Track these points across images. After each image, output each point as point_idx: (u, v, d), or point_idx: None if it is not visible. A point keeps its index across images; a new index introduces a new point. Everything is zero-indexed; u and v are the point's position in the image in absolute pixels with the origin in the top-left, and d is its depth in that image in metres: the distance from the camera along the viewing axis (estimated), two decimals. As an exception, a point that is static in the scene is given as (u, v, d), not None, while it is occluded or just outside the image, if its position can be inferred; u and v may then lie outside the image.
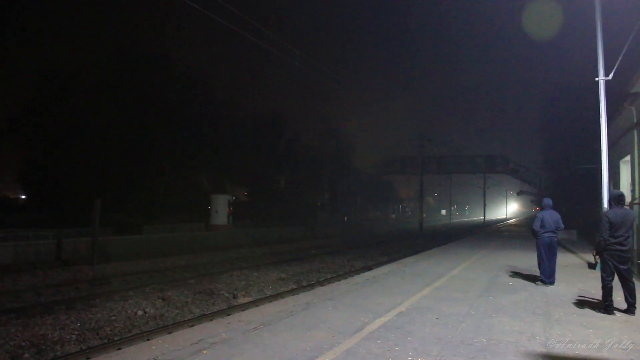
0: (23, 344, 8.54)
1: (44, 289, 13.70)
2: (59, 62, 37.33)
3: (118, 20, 69.40)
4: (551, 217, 11.23)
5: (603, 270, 8.40)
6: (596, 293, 10.09)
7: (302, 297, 9.98)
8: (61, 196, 32.89)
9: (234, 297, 13.13)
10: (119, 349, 7.50)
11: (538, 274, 11.72)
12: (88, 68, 37.78)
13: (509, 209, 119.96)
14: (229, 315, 9.32)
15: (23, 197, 44.32)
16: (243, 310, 9.94)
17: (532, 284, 11.51)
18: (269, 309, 8.77)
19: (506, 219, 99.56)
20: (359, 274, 15.18)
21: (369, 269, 16.86)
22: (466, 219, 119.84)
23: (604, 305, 8.34)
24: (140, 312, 11.01)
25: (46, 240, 21.78)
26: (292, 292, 13.26)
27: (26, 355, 8.05)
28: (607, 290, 8.29)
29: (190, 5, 12.93)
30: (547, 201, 11.51)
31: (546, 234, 11.21)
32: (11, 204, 42.80)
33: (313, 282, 15.28)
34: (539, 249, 11.35)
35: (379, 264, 18.58)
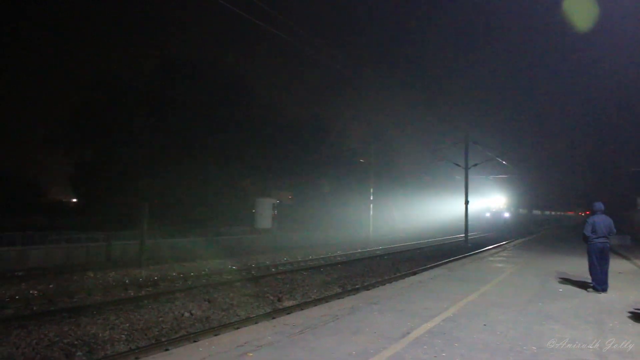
0: (76, 342, 8.79)
1: (94, 290, 14.06)
2: (109, 69, 38.43)
3: (164, 28, 70.96)
4: (603, 222, 10.86)
5: None
6: (652, 301, 9.73)
7: (347, 301, 9.94)
8: (110, 200, 33.72)
9: (279, 300, 13.19)
10: (166, 349, 7.64)
11: (589, 281, 11.37)
12: (136, 75, 38.70)
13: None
14: (274, 318, 9.37)
15: (74, 200, 45.74)
16: (288, 313, 9.97)
17: (584, 291, 11.18)
18: (314, 313, 8.77)
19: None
20: (404, 278, 15.06)
21: (414, 273, 16.68)
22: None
23: None
24: (186, 314, 11.18)
25: (96, 242, 22.45)
26: (337, 295, 13.23)
27: (79, 353, 8.28)
28: None
29: (232, 10, 13.11)
30: (599, 205, 11.07)
31: (598, 240, 10.86)
32: (63, 207, 44.25)
33: (358, 287, 15.21)
34: (591, 255, 11.00)
35: (425, 268, 18.37)
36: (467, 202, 35.20)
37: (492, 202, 71.73)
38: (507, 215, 73.35)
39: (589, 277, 11.31)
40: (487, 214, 70.61)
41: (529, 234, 47.23)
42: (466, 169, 35.65)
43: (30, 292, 13.81)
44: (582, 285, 11.84)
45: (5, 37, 46.83)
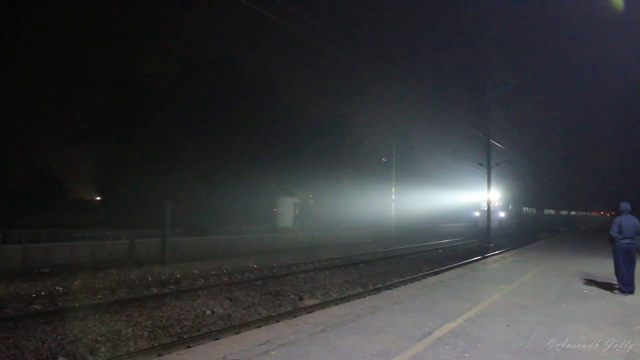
0: (99, 338, 8.90)
1: (117, 287, 14.22)
2: (131, 68, 38.96)
3: (186, 28, 71.53)
4: (630, 222, 10.67)
5: None
6: (680, 303, 9.53)
7: (369, 301, 9.92)
8: (134, 198, 34.11)
9: (300, 299, 13.20)
10: (188, 347, 7.69)
11: (615, 282, 11.18)
12: (158, 74, 39.17)
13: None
14: (295, 317, 9.38)
15: (98, 198, 46.39)
16: (309, 312, 9.98)
17: (609, 293, 10.99)
18: (335, 312, 8.77)
19: None
20: (426, 277, 15.00)
21: (436, 273, 16.60)
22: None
23: None
24: (208, 312, 11.25)
25: (120, 240, 22.72)
26: (359, 295, 13.20)
27: (102, 349, 8.38)
28: None
29: (255, 9, 13.13)
30: (626, 205, 10.85)
31: (624, 240, 10.67)
32: (87, 205, 44.91)
33: (379, 286, 15.16)
34: (616, 256, 10.82)
35: (446, 268, 18.25)
36: (489, 203, 34.92)
37: (485, 197, 49.29)
38: (502, 215, 53.82)
39: (615, 278, 11.12)
40: (476, 213, 52.96)
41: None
42: (488, 168, 35.32)
43: (56, 288, 14.03)
44: (608, 286, 11.64)
45: (30, 41, 47.66)
